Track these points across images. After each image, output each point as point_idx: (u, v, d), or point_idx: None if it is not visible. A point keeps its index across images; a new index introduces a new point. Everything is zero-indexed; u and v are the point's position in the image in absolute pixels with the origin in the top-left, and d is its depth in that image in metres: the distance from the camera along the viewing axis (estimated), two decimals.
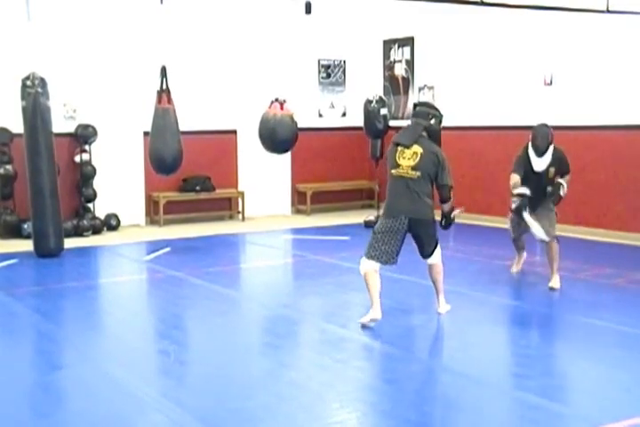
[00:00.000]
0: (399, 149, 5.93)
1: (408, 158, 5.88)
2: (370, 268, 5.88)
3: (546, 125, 7.10)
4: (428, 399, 4.61)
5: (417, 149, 5.89)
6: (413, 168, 5.85)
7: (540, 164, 7.00)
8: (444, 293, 6.22)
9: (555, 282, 7.07)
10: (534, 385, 4.77)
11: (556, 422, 4.19)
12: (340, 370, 5.07)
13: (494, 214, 11.17)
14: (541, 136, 6.96)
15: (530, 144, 7.06)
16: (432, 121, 6.01)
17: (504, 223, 10.82)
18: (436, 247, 6.10)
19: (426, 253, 6.11)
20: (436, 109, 6.14)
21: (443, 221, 6.22)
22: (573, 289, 7.15)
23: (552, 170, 7.01)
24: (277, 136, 8.84)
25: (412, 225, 5.88)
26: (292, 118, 8.92)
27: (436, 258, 6.15)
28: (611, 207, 9.72)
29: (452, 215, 6.20)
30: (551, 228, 7.06)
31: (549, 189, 7.01)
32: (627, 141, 9.55)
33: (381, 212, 6.09)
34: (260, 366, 5.16)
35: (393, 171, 5.94)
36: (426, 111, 6.08)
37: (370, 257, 5.89)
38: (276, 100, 8.85)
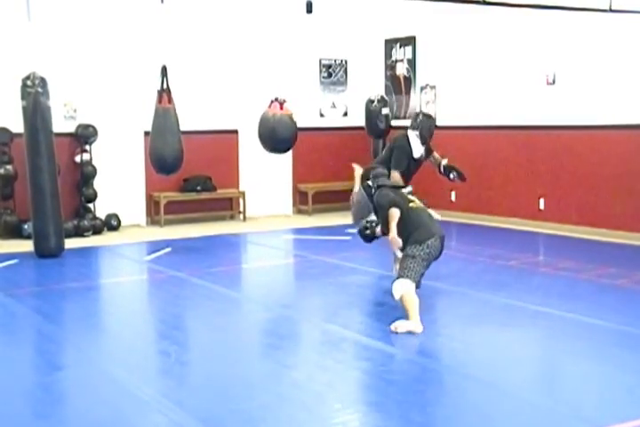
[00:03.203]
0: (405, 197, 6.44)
1: (413, 201, 6.37)
2: (412, 290, 5.82)
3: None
4: (430, 400, 4.58)
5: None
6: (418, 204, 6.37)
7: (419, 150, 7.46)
8: None
9: None
10: (537, 386, 4.75)
11: (560, 423, 4.16)
12: (342, 371, 5.04)
13: (496, 214, 11.15)
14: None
15: (417, 133, 7.39)
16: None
17: (506, 223, 10.85)
18: None
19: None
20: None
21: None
22: (576, 289, 7.12)
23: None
24: (277, 136, 8.80)
25: (440, 244, 6.07)
26: (291, 118, 8.88)
27: None
28: (614, 207, 9.68)
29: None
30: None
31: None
32: (630, 141, 9.51)
33: (412, 240, 5.99)
34: (261, 367, 5.13)
35: (411, 204, 6.25)
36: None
37: (414, 280, 5.86)
38: (276, 99, 8.81)
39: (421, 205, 6.35)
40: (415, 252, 5.92)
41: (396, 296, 5.80)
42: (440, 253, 6.11)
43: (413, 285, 5.83)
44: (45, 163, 8.67)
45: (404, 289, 5.77)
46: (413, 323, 5.70)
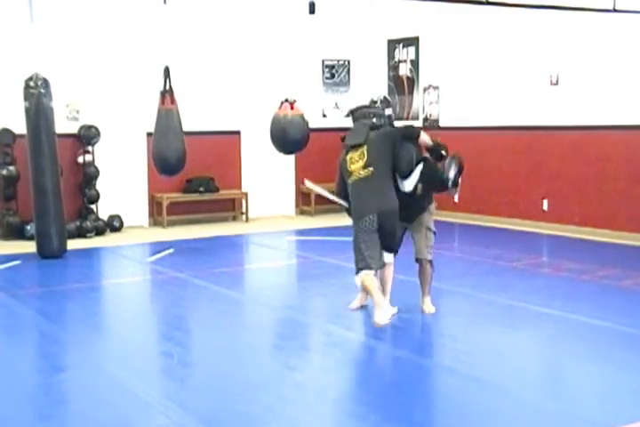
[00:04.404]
0: (348, 157, 5.97)
1: (357, 161, 5.93)
2: (367, 274, 5.88)
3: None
4: (433, 402, 4.57)
5: (363, 148, 5.93)
6: (365, 166, 5.89)
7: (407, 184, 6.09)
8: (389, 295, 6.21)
9: (427, 306, 6.32)
10: (540, 387, 4.73)
11: (563, 424, 4.14)
12: (345, 372, 5.03)
13: (499, 215, 11.13)
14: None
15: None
16: (374, 120, 6.07)
17: (509, 224, 10.83)
18: (398, 244, 6.11)
19: (389, 247, 6.05)
20: (377, 107, 6.24)
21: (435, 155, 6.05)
22: (579, 290, 7.11)
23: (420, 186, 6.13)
24: (289, 137, 8.79)
25: (379, 220, 5.84)
26: (302, 118, 8.88)
27: (391, 257, 6.15)
28: (618, 208, 9.66)
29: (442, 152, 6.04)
30: (427, 248, 6.25)
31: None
32: (634, 141, 9.49)
33: (352, 216, 6.04)
34: (264, 368, 5.11)
35: (349, 180, 5.97)
36: (365, 112, 6.14)
37: (368, 267, 5.85)
38: (286, 100, 8.79)
39: (363, 172, 5.85)
40: (356, 236, 5.91)
41: (358, 284, 5.99)
42: (393, 226, 5.91)
43: (365, 272, 5.84)
44: (48, 164, 8.67)
45: (361, 277, 5.88)
46: (384, 309, 5.79)
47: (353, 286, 6.90)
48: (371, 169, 5.87)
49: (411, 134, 6.06)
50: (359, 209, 5.92)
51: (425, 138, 6.07)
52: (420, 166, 6.01)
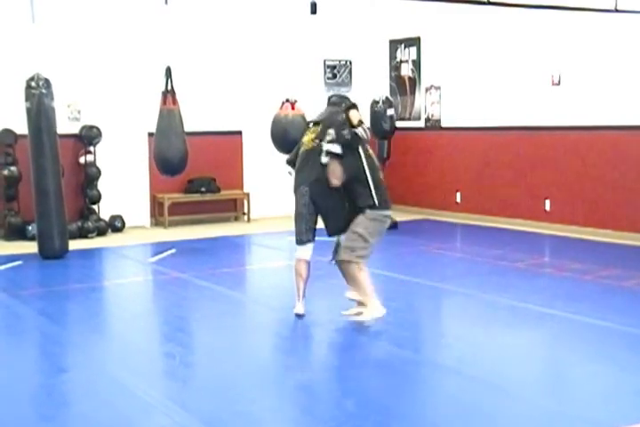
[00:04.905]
0: (307, 131, 6.15)
1: (311, 133, 6.06)
2: (299, 255, 6.10)
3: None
4: (435, 402, 4.55)
5: (319, 125, 6.04)
6: (314, 139, 6.00)
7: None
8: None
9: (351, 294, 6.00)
10: (543, 387, 4.72)
11: (566, 425, 4.13)
12: (347, 373, 5.02)
13: (501, 215, 11.12)
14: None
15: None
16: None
17: (511, 224, 10.82)
18: (340, 227, 5.93)
19: (330, 229, 6.02)
20: (348, 98, 6.35)
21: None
22: (582, 291, 7.09)
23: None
24: (290, 137, 8.78)
25: (312, 193, 5.94)
26: (303, 118, 8.88)
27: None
28: (619, 208, 9.65)
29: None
30: (345, 248, 5.94)
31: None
32: (636, 142, 9.48)
33: None
34: (265, 369, 5.11)
35: (300, 152, 6.12)
36: (339, 101, 6.26)
37: (299, 242, 6.08)
38: (287, 100, 8.79)
39: (310, 144, 5.97)
40: (295, 211, 6.07)
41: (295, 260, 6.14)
42: (326, 201, 5.91)
43: (300, 248, 6.08)
44: (49, 164, 8.67)
45: (295, 257, 6.13)
46: (297, 304, 6.05)
47: None
48: (317, 141, 5.99)
49: (350, 104, 6.17)
50: (297, 180, 6.09)
51: (356, 114, 6.07)
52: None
